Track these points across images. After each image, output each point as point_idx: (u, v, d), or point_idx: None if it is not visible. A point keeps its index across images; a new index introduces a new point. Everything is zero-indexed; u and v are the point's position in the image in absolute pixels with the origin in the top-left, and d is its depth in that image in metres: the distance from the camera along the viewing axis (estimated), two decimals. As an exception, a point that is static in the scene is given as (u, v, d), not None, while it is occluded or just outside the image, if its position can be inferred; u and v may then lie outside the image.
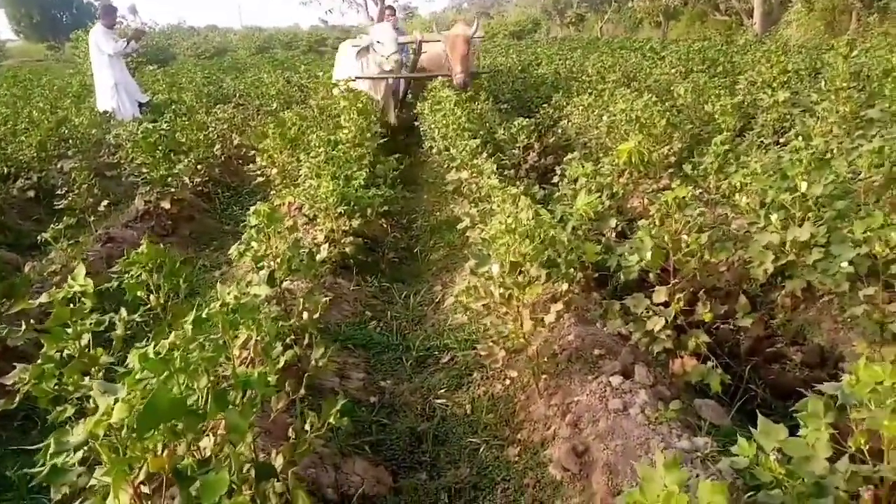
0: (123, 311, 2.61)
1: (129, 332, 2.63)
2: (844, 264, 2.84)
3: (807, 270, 3.32)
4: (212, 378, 1.73)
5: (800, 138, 4.03)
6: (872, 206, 3.53)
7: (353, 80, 8.36)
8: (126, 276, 2.66)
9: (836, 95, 5.49)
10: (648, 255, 2.63)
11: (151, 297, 2.70)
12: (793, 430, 1.71)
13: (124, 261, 2.58)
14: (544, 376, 2.77)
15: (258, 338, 2.07)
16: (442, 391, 3.16)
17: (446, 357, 3.50)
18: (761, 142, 5.48)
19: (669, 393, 2.71)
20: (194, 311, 1.98)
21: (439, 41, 8.89)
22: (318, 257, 3.72)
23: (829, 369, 3.15)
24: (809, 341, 3.34)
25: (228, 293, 1.79)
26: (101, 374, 2.22)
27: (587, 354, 2.95)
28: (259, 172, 5.93)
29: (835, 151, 4.41)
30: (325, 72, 15.68)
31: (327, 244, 4.11)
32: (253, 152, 6.56)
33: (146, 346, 1.98)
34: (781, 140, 5.70)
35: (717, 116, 6.10)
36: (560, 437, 2.56)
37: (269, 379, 1.97)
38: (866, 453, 1.52)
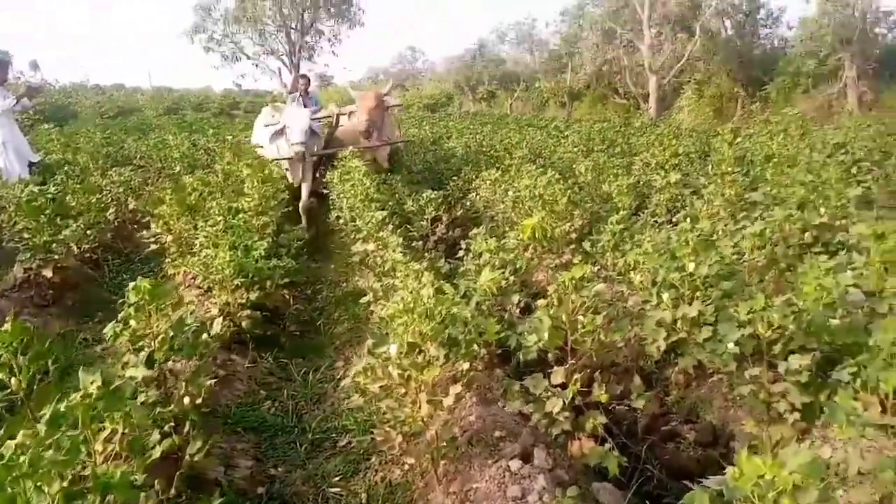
0: (-23, 398, 2.34)
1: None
2: (731, 345, 2.94)
3: (697, 348, 3.44)
4: (65, 483, 1.54)
5: (688, 220, 4.25)
6: (756, 286, 3.72)
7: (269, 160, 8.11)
8: (-16, 357, 2.40)
9: (721, 179, 5.87)
10: (546, 335, 2.63)
11: (14, 379, 2.43)
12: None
13: (-18, 341, 2.32)
14: (443, 461, 2.67)
15: (125, 430, 1.87)
16: (337, 479, 2.99)
17: (344, 440, 3.34)
18: (655, 221, 5.75)
19: (568, 476, 2.67)
20: (55, 400, 1.79)
21: (354, 110, 8.79)
22: (212, 332, 3.53)
23: (720, 448, 3.22)
24: (702, 419, 3.42)
25: (92, 382, 1.61)
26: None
27: (488, 436, 2.89)
28: (153, 240, 5.65)
29: (720, 233, 4.66)
30: (234, 135, 15.53)
31: (221, 318, 3.91)
32: (149, 218, 6.27)
33: (-4, 440, 1.76)
34: (673, 219, 6.02)
35: (614, 195, 6.38)
36: (458, 529, 2.45)
37: (136, 478, 1.78)
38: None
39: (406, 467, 2.93)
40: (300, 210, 8.06)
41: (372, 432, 3.16)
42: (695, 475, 3.15)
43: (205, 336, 2.78)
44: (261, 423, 3.49)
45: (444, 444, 2.61)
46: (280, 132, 7.79)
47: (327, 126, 9.19)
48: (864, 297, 3.25)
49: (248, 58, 27.57)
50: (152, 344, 2.53)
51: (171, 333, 2.51)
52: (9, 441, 1.60)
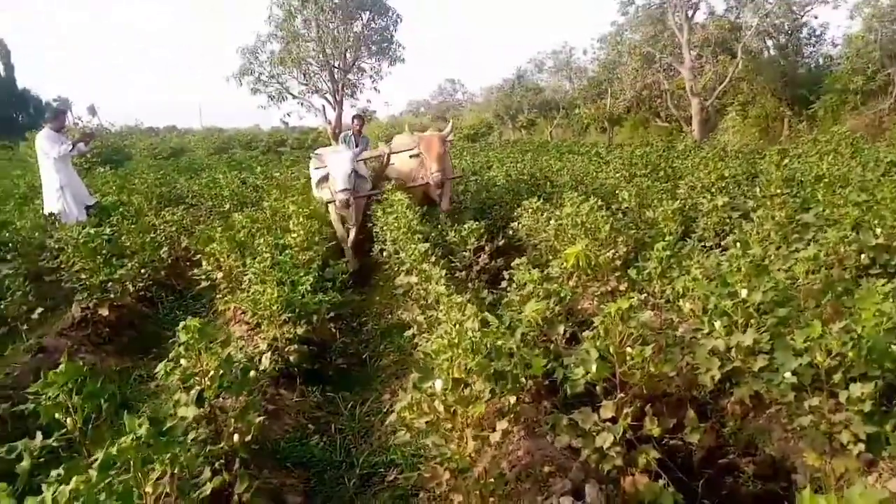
0: (38, 438, 2.41)
1: (41, 458, 2.42)
2: (788, 374, 2.84)
3: (753, 378, 3.32)
4: (117, 524, 1.57)
5: (738, 244, 4.15)
6: (812, 312, 3.59)
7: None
8: (43, 396, 2.48)
9: (771, 201, 5.73)
10: (594, 367, 2.58)
11: (69, 419, 2.50)
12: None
13: (40, 382, 2.40)
14: (492, 498, 2.62)
15: (175, 471, 1.90)
16: (385, 515, 2.97)
17: (392, 475, 3.32)
18: (703, 246, 5.63)
19: (622, 514, 2.59)
20: (109, 440, 1.82)
21: (410, 150, 8.50)
22: (260, 367, 3.57)
23: (781, 481, 3.08)
24: (761, 451, 3.29)
25: (140, 425, 1.64)
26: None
27: (537, 472, 2.83)
28: (205, 277, 5.79)
29: (772, 257, 4.53)
30: (281, 172, 15.91)
31: (269, 353, 3.96)
32: (201, 255, 6.44)
33: (56, 481, 1.80)
34: (722, 243, 5.88)
35: (659, 220, 6.28)
36: (508, 569, 2.40)
37: (187, 518, 1.80)
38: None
39: (455, 504, 2.89)
40: (348, 247, 8.01)
41: (419, 467, 3.14)
42: (755, 511, 3.04)
43: (253, 372, 2.81)
44: (309, 457, 3.50)
45: (492, 480, 2.56)
46: (325, 178, 7.71)
47: (375, 165, 9.16)
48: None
49: (294, 97, 28.35)
50: (202, 381, 2.58)
51: (221, 371, 2.55)
52: (62, 487, 1.63)
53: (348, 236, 8.24)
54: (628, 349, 2.62)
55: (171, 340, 5.73)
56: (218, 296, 5.81)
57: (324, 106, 20.23)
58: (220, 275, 5.58)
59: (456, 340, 2.44)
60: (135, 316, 5.84)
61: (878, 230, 4.90)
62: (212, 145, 34.77)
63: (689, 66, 26.39)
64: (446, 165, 8.42)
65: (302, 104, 28.59)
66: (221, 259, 5.66)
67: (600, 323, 2.65)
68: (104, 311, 5.28)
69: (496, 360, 2.80)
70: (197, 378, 2.56)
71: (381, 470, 3.43)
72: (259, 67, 27.86)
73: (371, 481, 3.37)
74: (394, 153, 8.76)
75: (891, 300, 3.00)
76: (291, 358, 4.15)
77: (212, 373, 2.56)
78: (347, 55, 27.61)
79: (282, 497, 3.04)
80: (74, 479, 1.52)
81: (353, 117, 10.06)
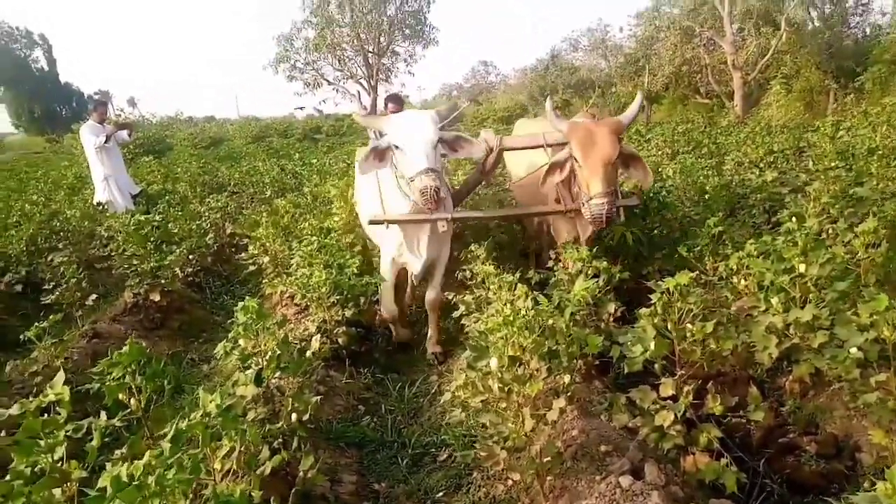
0: (103, 417, 2.47)
1: (108, 437, 2.49)
2: (854, 350, 2.75)
3: (813, 355, 3.23)
4: (188, 501, 1.60)
5: (793, 219, 4.02)
6: (874, 286, 3.46)
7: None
8: (107, 377, 2.54)
9: (825, 175, 5.54)
10: (652, 345, 2.53)
11: (133, 399, 2.56)
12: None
13: (105, 361, 2.46)
14: (549, 477, 2.61)
15: (241, 448, 1.93)
16: (440, 494, 2.98)
17: (444, 454, 3.33)
18: (753, 223, 5.48)
19: (682, 493, 2.55)
20: (175, 420, 1.86)
21: (538, 145, 4.57)
22: (309, 351, 3.61)
23: (845, 461, 3.00)
24: (822, 430, 3.20)
25: (211, 401, 1.67)
26: (75, 487, 2.07)
27: (593, 451, 2.81)
28: (251, 261, 5.87)
29: (829, 231, 4.39)
30: (318, 159, 16.04)
31: (319, 335, 4.00)
32: (246, 240, 6.54)
33: (122, 458, 1.84)
34: (773, 219, 5.71)
35: (708, 197, 6.13)
36: (568, 547, 2.39)
37: (254, 494, 1.83)
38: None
39: (510, 483, 2.88)
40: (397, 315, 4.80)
41: (474, 445, 3.14)
42: (818, 489, 2.97)
43: (308, 353, 2.84)
44: (361, 437, 3.54)
45: (549, 459, 2.55)
46: (382, 154, 4.04)
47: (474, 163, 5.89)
48: None
49: (329, 83, 28.47)
50: (260, 362, 2.61)
51: (278, 352, 2.58)
52: (136, 461, 1.67)
53: (410, 293, 5.35)
54: (688, 325, 2.56)
55: (223, 323, 5.91)
56: (264, 280, 5.89)
57: (358, 91, 20.28)
58: (266, 259, 5.66)
59: (511, 318, 2.42)
60: (184, 301, 5.97)
61: (940, 203, 4.71)
62: (249, 134, 35.28)
63: (730, 40, 25.64)
64: (613, 181, 4.11)
65: (337, 90, 28.69)
66: (267, 244, 5.73)
67: (658, 299, 2.59)
68: (155, 297, 5.40)
69: (549, 339, 2.77)
70: (255, 358, 2.60)
71: (433, 450, 3.45)
72: (294, 54, 28.00)
73: (423, 461, 3.39)
74: (508, 149, 4.69)
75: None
76: (340, 340, 4.19)
77: (269, 353, 2.59)
78: (381, 39, 27.57)
79: (337, 476, 3.07)
80: (147, 453, 1.55)
81: (387, 100, 6.65)
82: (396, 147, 3.88)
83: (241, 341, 2.62)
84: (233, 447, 1.95)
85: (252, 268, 5.91)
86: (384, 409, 3.93)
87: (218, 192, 10.23)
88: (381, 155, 4.00)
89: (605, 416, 3.16)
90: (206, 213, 7.97)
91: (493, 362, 2.43)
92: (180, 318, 5.70)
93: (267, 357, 2.58)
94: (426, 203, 3.70)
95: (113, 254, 6.58)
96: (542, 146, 4.36)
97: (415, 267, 4.48)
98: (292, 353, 2.72)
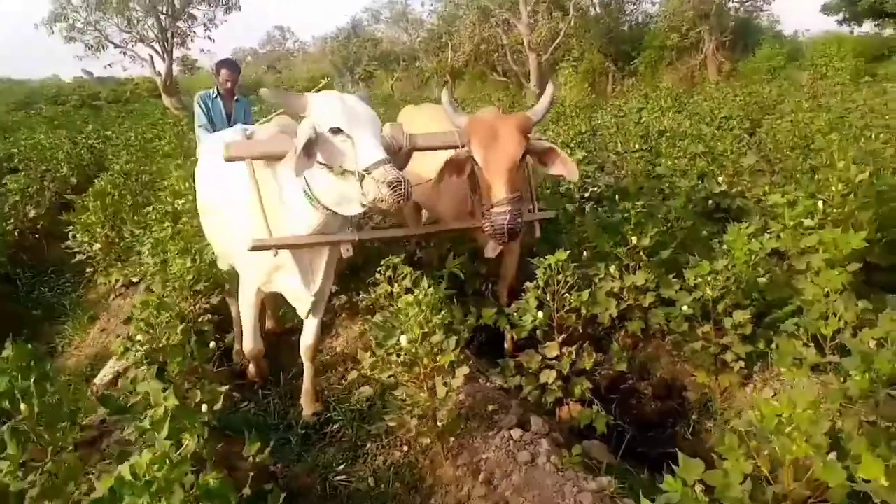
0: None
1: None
2: (685, 307, 3.35)
3: (644, 313, 3.83)
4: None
5: (617, 197, 4.65)
6: (696, 254, 4.10)
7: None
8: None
9: (631, 156, 6.38)
10: (539, 314, 2.90)
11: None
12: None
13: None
14: (452, 438, 2.88)
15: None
16: (341, 467, 3.13)
17: (335, 428, 3.47)
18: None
19: (563, 439, 2.98)
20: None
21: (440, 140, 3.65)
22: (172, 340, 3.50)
23: (675, 399, 3.65)
24: (654, 375, 3.85)
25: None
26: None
27: (481, 411, 3.13)
28: (78, 249, 5.36)
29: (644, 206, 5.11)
30: (113, 132, 14.65)
31: (181, 324, 3.86)
32: (57, 227, 5.93)
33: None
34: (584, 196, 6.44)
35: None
36: (476, 497, 2.68)
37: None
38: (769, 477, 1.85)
39: (406, 448, 3.12)
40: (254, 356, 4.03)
41: (363, 421, 3.32)
42: (657, 425, 3.59)
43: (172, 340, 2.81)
44: (245, 423, 3.53)
45: (452, 421, 2.82)
46: (312, 146, 2.86)
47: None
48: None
49: (116, 45, 25.63)
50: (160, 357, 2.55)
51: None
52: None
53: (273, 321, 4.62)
54: (566, 296, 2.97)
55: (44, 320, 5.35)
56: (90, 269, 5.43)
57: (151, 56, 18.61)
58: (97, 246, 5.20)
59: (420, 298, 2.62)
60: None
61: (721, 178, 5.70)
62: (11, 100, 30.79)
63: (525, 22, 27.48)
64: (519, 186, 3.44)
65: (125, 54, 25.93)
66: (97, 230, 5.26)
67: (542, 273, 2.96)
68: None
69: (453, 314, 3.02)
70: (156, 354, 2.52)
71: (320, 428, 3.55)
72: (74, 13, 24.79)
73: (312, 438, 3.49)
74: (420, 149, 3.55)
75: (756, 239, 3.57)
76: (205, 329, 4.07)
77: (171, 347, 2.53)
78: (176, 1, 25.45)
79: (233, 462, 3.08)
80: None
81: (219, 65, 5.38)
82: (335, 133, 2.83)
83: (139, 336, 2.52)
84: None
85: (81, 257, 5.40)
86: (261, 395, 3.93)
87: None
88: (311, 149, 2.82)
89: (483, 379, 3.51)
90: (3, 196, 7.02)
91: (403, 339, 2.62)
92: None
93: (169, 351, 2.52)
94: (397, 200, 2.64)
95: None
96: (457, 146, 3.51)
97: (302, 301, 3.43)
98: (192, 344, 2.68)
